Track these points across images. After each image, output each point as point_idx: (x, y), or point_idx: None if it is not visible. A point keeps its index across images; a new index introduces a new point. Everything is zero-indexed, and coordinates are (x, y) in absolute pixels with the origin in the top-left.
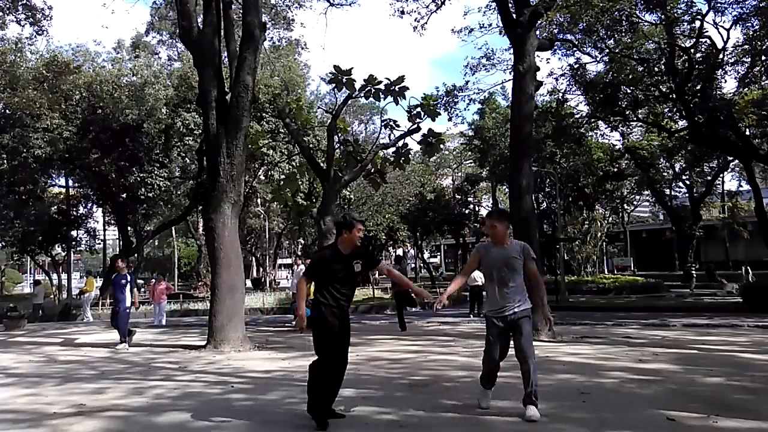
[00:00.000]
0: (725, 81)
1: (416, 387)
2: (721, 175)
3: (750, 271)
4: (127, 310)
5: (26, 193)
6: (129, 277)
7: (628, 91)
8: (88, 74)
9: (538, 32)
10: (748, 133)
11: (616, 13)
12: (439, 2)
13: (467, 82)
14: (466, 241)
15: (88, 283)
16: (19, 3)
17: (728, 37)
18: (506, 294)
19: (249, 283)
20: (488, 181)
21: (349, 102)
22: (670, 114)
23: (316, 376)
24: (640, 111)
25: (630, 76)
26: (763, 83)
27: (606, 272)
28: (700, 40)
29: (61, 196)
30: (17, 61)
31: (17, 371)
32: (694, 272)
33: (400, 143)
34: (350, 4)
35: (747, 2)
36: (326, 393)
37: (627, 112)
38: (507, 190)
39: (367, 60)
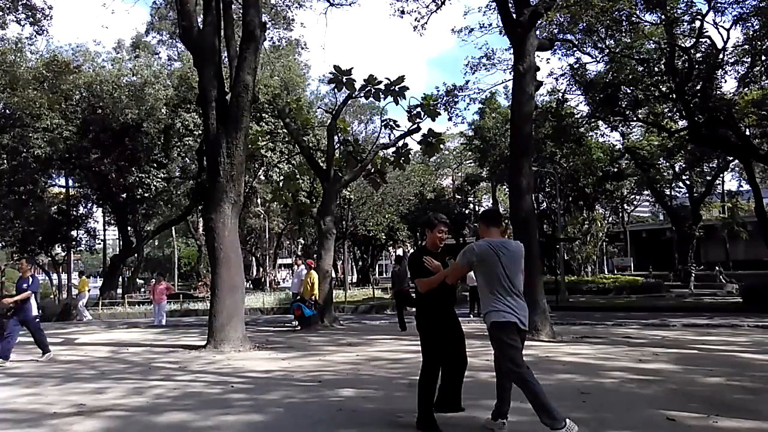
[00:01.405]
0: (725, 81)
1: (416, 387)
2: (721, 175)
3: (723, 271)
4: (37, 319)
5: (26, 193)
6: (30, 280)
7: (628, 91)
8: (88, 74)
9: (538, 32)
10: (748, 133)
11: (616, 13)
12: (439, 2)
13: (467, 82)
14: (466, 241)
15: (82, 284)
16: (19, 3)
17: (728, 37)
18: None
19: (249, 284)
20: (488, 181)
21: (349, 102)
22: (670, 114)
23: (425, 381)
24: (640, 111)
25: (630, 76)
26: (763, 83)
27: (606, 272)
28: (700, 40)
29: (61, 196)
30: (17, 61)
31: (17, 371)
32: (693, 272)
33: (400, 143)
34: (350, 4)
35: (747, 2)
36: (439, 395)
37: (627, 112)
38: (507, 190)
39: (366, 60)
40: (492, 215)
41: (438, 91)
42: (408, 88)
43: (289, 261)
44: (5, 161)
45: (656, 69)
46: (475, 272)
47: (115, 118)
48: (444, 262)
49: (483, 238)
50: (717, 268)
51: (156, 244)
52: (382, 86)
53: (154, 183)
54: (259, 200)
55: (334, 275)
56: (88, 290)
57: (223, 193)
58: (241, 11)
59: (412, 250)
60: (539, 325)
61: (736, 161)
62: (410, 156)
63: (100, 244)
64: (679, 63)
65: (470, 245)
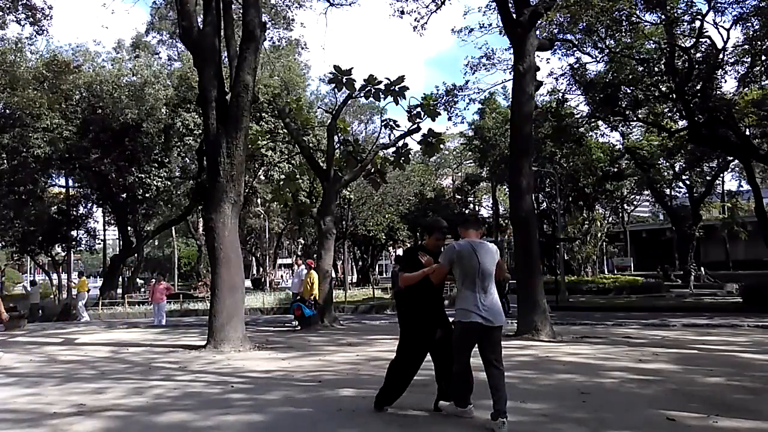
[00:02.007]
0: (725, 81)
1: (416, 387)
2: (721, 175)
3: (704, 271)
4: None
5: (26, 193)
6: None
7: (628, 91)
8: (88, 74)
9: (538, 32)
10: (748, 133)
11: (616, 13)
12: (439, 2)
13: (467, 82)
14: None
15: (81, 284)
16: (19, 3)
17: (728, 37)
18: None
19: (249, 283)
20: (488, 181)
21: (349, 102)
22: (670, 114)
23: (393, 368)
24: (640, 111)
25: (630, 76)
26: (763, 83)
27: (606, 272)
28: (700, 40)
29: (61, 196)
30: (17, 61)
31: (18, 371)
32: (693, 272)
33: (400, 143)
34: (350, 4)
35: (747, 2)
36: (400, 385)
37: (627, 112)
38: (507, 190)
39: (365, 60)
40: (470, 218)
41: (438, 91)
42: (408, 88)
43: (289, 261)
44: (5, 161)
45: (656, 69)
46: (454, 269)
47: (115, 118)
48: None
49: (462, 239)
50: (702, 268)
51: (156, 244)
52: (382, 86)
53: (155, 182)
54: (259, 200)
55: (334, 275)
56: (88, 290)
57: (223, 193)
58: (241, 11)
59: None
60: (539, 325)
61: (736, 161)
62: (410, 156)
63: (100, 244)
64: (679, 63)
65: (451, 244)
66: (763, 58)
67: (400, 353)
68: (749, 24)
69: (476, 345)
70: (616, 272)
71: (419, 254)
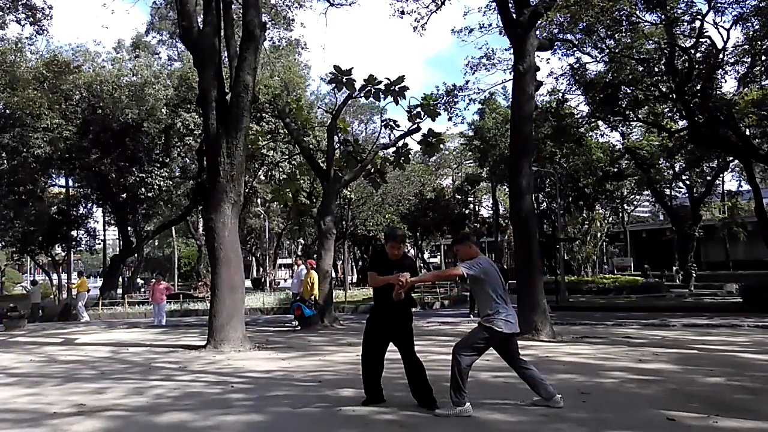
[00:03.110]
0: (725, 81)
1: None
2: (721, 175)
3: (693, 272)
4: None
5: (26, 193)
6: None
7: (628, 91)
8: (88, 74)
9: (538, 32)
10: (748, 133)
11: (616, 13)
12: (439, 2)
13: (467, 82)
14: None
15: (81, 284)
16: (19, 3)
17: (728, 37)
18: None
19: (249, 283)
20: (488, 181)
21: (349, 102)
22: (670, 114)
23: (362, 360)
24: (640, 111)
25: (630, 76)
26: (763, 83)
27: (605, 271)
28: (700, 40)
29: (61, 196)
30: (17, 61)
31: (18, 371)
32: (693, 272)
33: (400, 143)
34: (350, 4)
35: (747, 2)
36: (367, 376)
37: (627, 112)
38: (507, 190)
39: (364, 59)
40: (477, 236)
41: (438, 91)
42: (408, 88)
43: (289, 261)
44: (5, 161)
45: (656, 69)
46: (480, 283)
47: (115, 118)
48: (393, 272)
49: (475, 256)
50: (675, 268)
51: (156, 244)
52: (382, 86)
53: (157, 182)
54: (259, 200)
55: (334, 275)
56: (88, 290)
57: (223, 193)
58: (241, 11)
59: (411, 251)
60: (539, 325)
61: (736, 161)
62: (410, 156)
63: (100, 244)
64: (679, 63)
65: (477, 260)
66: (763, 58)
67: (362, 344)
68: (749, 24)
69: (498, 353)
70: (616, 272)
71: (398, 275)
